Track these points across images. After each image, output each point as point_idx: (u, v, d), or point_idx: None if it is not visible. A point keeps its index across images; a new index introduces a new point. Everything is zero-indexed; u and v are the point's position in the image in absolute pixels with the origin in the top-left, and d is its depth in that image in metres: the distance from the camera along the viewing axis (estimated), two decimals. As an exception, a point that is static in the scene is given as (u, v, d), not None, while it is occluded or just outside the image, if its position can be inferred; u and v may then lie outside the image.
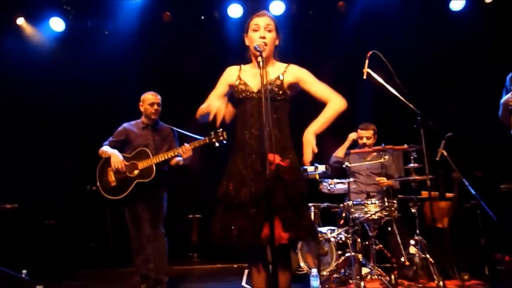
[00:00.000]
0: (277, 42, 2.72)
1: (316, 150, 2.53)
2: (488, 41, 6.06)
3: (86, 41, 6.44)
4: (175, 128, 4.39)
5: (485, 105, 5.94)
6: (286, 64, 2.73)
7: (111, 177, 4.06)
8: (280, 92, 2.62)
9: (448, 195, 4.66)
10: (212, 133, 3.77)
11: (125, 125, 4.32)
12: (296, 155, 2.62)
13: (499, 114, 3.60)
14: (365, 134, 4.83)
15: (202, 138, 3.94)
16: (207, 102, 2.68)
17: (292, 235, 2.50)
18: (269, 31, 2.65)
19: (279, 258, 2.47)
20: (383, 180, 4.52)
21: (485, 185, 4.54)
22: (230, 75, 2.76)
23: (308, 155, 2.52)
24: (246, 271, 4.47)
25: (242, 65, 2.79)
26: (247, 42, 2.72)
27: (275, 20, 2.72)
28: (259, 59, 2.47)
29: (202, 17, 6.32)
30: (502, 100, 3.55)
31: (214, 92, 2.78)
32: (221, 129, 3.72)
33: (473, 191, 4.24)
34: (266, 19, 2.68)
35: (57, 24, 6.16)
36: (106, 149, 4.14)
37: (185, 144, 4.02)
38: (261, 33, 2.63)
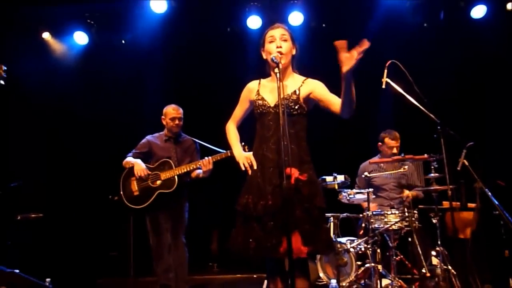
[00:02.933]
0: (294, 52, 2.76)
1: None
2: (509, 48, 5.98)
3: (109, 54, 6.57)
4: (197, 140, 4.45)
5: (508, 113, 5.90)
6: (304, 78, 2.75)
7: (134, 187, 4.14)
8: (297, 107, 2.65)
9: (470, 205, 4.59)
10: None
11: (149, 137, 4.40)
12: (314, 169, 2.64)
13: None
14: (395, 144, 4.80)
15: (224, 151, 4.00)
16: (230, 126, 2.94)
17: (312, 249, 2.51)
18: (285, 40, 2.69)
19: (298, 271, 2.48)
20: (408, 194, 4.47)
21: (508, 194, 4.46)
22: (250, 90, 2.82)
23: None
24: (265, 282, 4.46)
25: (261, 80, 2.83)
26: (264, 56, 2.77)
27: (290, 31, 2.76)
28: (276, 70, 2.51)
29: (228, 29, 6.39)
30: None
31: (238, 107, 2.91)
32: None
33: (495, 201, 4.17)
34: (280, 30, 2.72)
35: (81, 38, 6.32)
36: (129, 159, 4.23)
37: (206, 157, 4.07)
38: (277, 43, 2.67)
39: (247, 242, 2.52)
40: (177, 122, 4.30)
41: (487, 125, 6.05)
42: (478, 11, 6.02)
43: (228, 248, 2.62)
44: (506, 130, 5.89)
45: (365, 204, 4.65)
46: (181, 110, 4.35)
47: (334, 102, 2.63)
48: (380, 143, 4.89)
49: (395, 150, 4.77)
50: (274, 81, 2.68)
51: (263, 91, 2.75)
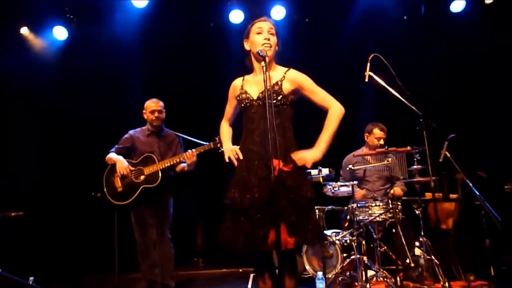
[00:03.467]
0: (277, 48, 2.77)
1: (308, 165, 2.58)
2: (488, 42, 6.08)
3: (89, 49, 6.48)
4: (180, 134, 4.43)
5: (487, 105, 6.00)
6: (286, 69, 2.77)
7: (118, 183, 4.10)
8: (279, 97, 2.66)
9: (452, 196, 4.66)
10: (217, 139, 3.81)
11: (131, 132, 4.36)
12: None
13: None
14: (383, 136, 4.84)
15: (207, 143, 3.98)
16: (222, 125, 2.95)
17: (299, 240, 2.52)
18: (272, 34, 2.71)
19: (286, 263, 2.49)
20: (393, 193, 4.52)
21: (489, 185, 4.55)
22: (235, 87, 2.84)
23: (299, 159, 2.56)
24: (251, 276, 4.47)
25: (245, 76, 2.84)
26: (247, 47, 2.78)
27: (276, 26, 2.79)
28: (263, 64, 2.52)
29: (211, 24, 6.36)
30: None
31: (228, 106, 2.92)
32: (217, 138, 3.77)
33: (477, 192, 4.25)
34: (268, 23, 2.75)
35: (60, 32, 6.22)
36: (112, 155, 4.18)
37: (189, 150, 4.05)
38: (265, 35, 2.68)
39: (236, 236, 2.52)
40: (157, 114, 4.25)
41: (468, 117, 6.15)
42: (458, 5, 6.10)
43: (217, 243, 2.61)
44: (487, 122, 6.00)
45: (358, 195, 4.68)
46: (161, 103, 4.31)
47: (322, 105, 2.73)
48: (367, 134, 4.93)
49: (382, 141, 4.81)
50: (257, 74, 2.73)
51: (246, 85, 2.77)
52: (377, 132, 4.85)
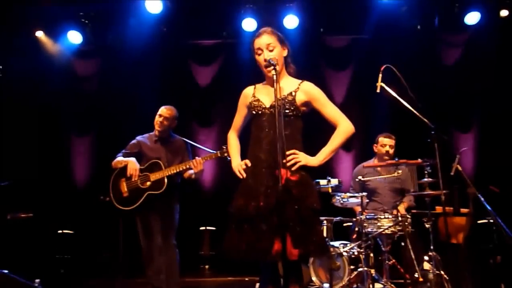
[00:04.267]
0: (285, 54, 2.73)
1: (298, 161, 2.54)
2: (503, 54, 6.03)
3: (103, 53, 6.55)
4: (188, 141, 4.42)
5: (502, 119, 5.93)
6: (300, 81, 2.74)
7: (124, 188, 4.09)
8: (292, 108, 2.64)
9: (463, 210, 4.59)
10: (224, 147, 3.78)
11: (139, 137, 4.35)
12: (308, 171, 2.61)
13: None
14: (389, 143, 4.77)
15: (214, 151, 3.97)
16: (230, 136, 2.92)
17: (302, 251, 2.48)
18: (272, 49, 2.66)
19: (291, 274, 2.46)
20: (401, 210, 4.46)
21: (501, 200, 4.47)
22: (246, 96, 2.81)
23: (291, 160, 2.53)
24: (257, 285, 4.44)
25: (257, 84, 2.83)
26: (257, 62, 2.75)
27: (276, 33, 2.71)
28: (273, 72, 2.50)
29: (224, 32, 6.38)
30: None
31: (237, 115, 2.89)
32: (224, 146, 3.75)
33: (488, 207, 4.17)
34: (265, 38, 2.68)
35: (74, 37, 6.29)
36: (121, 158, 4.16)
37: (197, 157, 4.04)
38: (265, 55, 2.64)
39: (240, 245, 2.49)
40: (161, 119, 4.23)
41: (482, 130, 6.09)
42: (472, 18, 6.05)
43: (222, 251, 2.58)
44: (499, 136, 5.93)
45: (357, 208, 4.64)
46: (171, 112, 4.25)
47: (332, 120, 2.72)
48: (375, 145, 4.88)
49: (388, 148, 4.74)
50: (269, 84, 2.69)
51: (258, 94, 2.75)
52: (382, 140, 4.80)
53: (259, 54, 2.68)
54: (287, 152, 2.52)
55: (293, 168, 2.53)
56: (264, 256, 2.45)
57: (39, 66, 6.31)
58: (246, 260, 2.48)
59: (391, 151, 4.74)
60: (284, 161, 2.48)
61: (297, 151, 2.57)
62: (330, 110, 2.73)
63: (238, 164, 2.69)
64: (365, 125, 5.95)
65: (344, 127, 2.69)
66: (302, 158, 2.56)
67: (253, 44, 2.72)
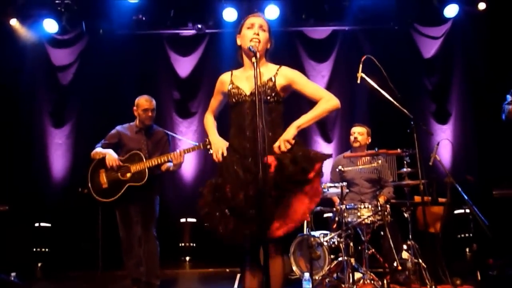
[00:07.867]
0: (269, 45, 2.74)
1: (292, 142, 2.52)
2: (481, 47, 6.12)
3: (79, 42, 6.42)
4: (169, 133, 4.37)
5: (479, 111, 6.03)
6: (278, 66, 2.74)
7: (103, 179, 4.02)
8: (273, 94, 2.63)
9: (441, 200, 4.66)
10: (207, 139, 3.73)
11: (119, 128, 4.28)
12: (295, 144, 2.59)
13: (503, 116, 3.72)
14: (357, 130, 4.78)
15: (196, 143, 3.93)
16: (207, 116, 2.89)
17: (286, 230, 2.49)
18: (263, 30, 2.68)
19: (272, 251, 2.49)
20: (382, 199, 4.50)
21: (477, 190, 4.56)
22: (223, 83, 2.79)
23: (279, 144, 2.52)
24: (238, 276, 4.44)
25: (233, 71, 2.80)
26: (238, 42, 2.74)
27: (269, 24, 2.74)
28: (253, 59, 2.48)
29: (198, 25, 6.31)
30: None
31: (213, 99, 2.88)
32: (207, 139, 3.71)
33: (465, 196, 4.25)
34: (261, 19, 2.71)
35: (50, 25, 6.13)
36: (99, 149, 4.10)
37: (177, 150, 4.00)
38: (255, 31, 2.65)
39: (223, 223, 2.49)
40: (149, 114, 4.18)
41: (459, 121, 6.18)
42: (451, 10, 6.12)
43: (201, 219, 2.58)
44: (479, 127, 6.03)
45: (336, 199, 4.67)
46: (154, 102, 4.23)
47: (315, 97, 2.68)
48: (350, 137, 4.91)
49: (357, 135, 4.73)
50: (247, 70, 2.69)
51: (237, 81, 2.72)
52: (352, 129, 4.83)
53: (249, 28, 2.66)
54: (275, 149, 2.51)
55: (285, 150, 2.52)
56: (248, 239, 2.48)
57: (13, 56, 6.15)
58: (230, 240, 2.49)
59: (360, 138, 4.75)
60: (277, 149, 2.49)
61: (277, 142, 2.54)
62: (313, 88, 2.72)
63: (220, 147, 2.65)
64: (345, 116, 6.00)
65: (327, 100, 2.66)
66: (286, 137, 2.52)
67: (245, 21, 2.72)
